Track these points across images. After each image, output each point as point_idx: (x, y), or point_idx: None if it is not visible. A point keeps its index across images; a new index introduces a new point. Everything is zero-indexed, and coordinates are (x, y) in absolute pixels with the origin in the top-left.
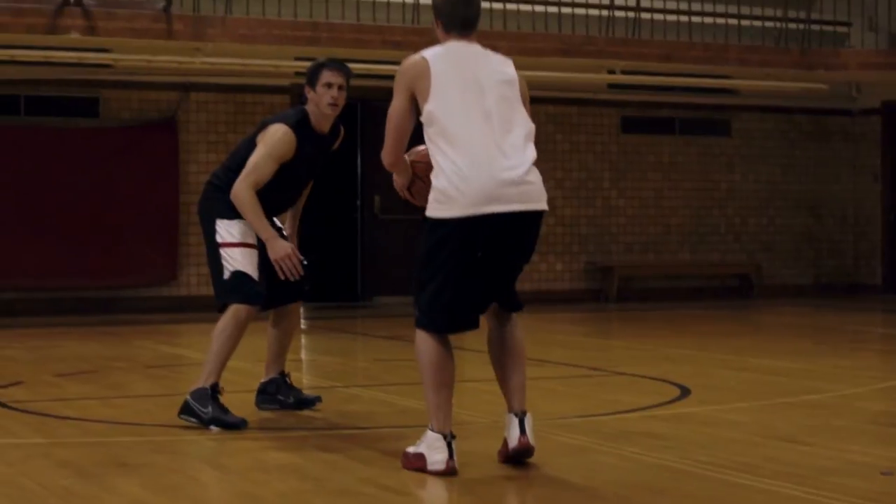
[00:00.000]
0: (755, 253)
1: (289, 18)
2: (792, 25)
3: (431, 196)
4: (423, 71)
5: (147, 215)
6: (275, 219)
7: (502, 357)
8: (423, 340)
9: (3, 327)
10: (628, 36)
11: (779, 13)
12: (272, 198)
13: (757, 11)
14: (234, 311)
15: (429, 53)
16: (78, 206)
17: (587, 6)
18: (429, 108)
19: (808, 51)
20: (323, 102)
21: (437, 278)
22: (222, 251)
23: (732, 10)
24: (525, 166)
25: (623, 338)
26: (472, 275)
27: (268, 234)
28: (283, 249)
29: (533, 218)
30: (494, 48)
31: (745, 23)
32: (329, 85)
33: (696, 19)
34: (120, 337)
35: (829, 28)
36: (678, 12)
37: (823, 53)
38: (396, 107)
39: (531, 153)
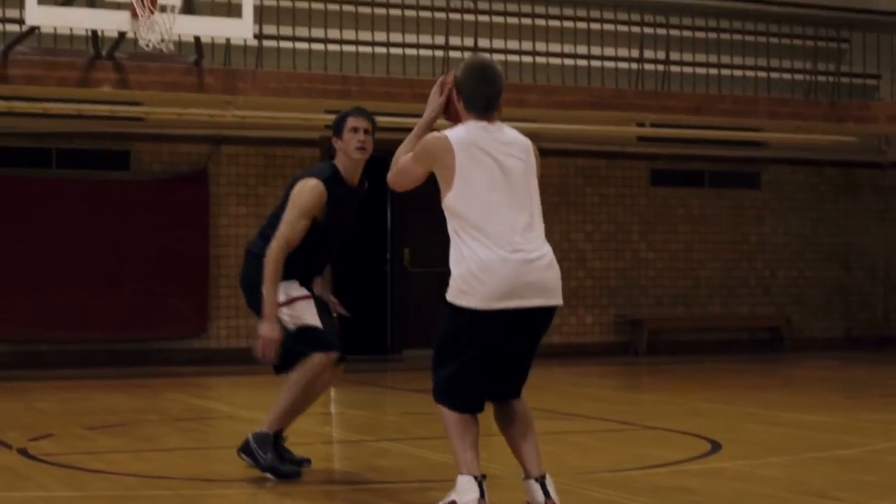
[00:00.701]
0: (785, 306)
1: (319, 72)
2: (821, 78)
3: (453, 282)
4: (447, 155)
5: (177, 267)
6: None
7: (509, 429)
8: (445, 410)
9: (34, 379)
10: (657, 89)
11: (808, 66)
12: (310, 258)
13: (786, 64)
14: (309, 360)
15: (454, 138)
16: (109, 258)
17: (616, 59)
18: (451, 201)
19: (837, 103)
20: (351, 147)
21: (453, 362)
22: (283, 311)
23: (762, 62)
24: (545, 262)
25: (653, 391)
26: (486, 363)
27: (270, 310)
28: (268, 333)
29: (549, 312)
30: (524, 101)
31: (774, 75)
32: (355, 129)
33: (725, 72)
34: (150, 389)
35: (859, 81)
36: (707, 65)
37: (853, 106)
38: (414, 171)
39: (548, 248)
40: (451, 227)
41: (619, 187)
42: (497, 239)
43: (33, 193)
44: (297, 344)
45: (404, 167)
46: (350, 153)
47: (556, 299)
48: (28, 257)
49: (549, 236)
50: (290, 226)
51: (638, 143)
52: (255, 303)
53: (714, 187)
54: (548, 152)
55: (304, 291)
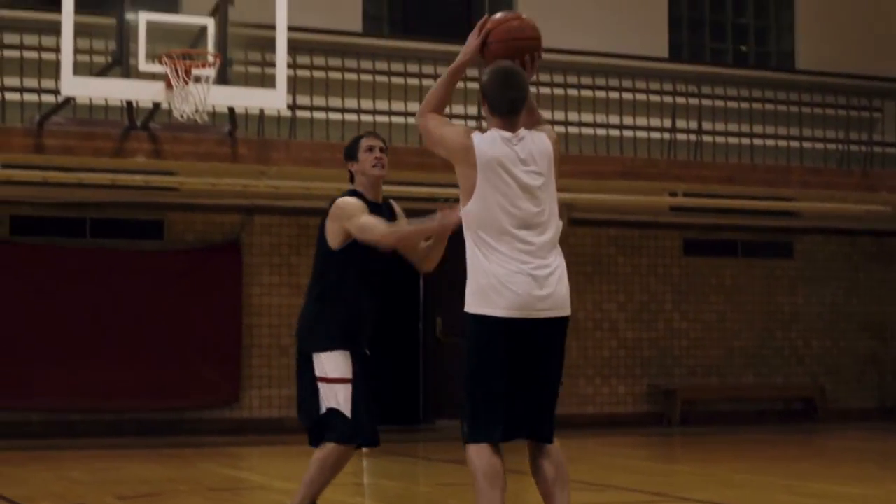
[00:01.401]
0: (819, 376)
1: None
2: (854, 147)
3: (469, 290)
4: (472, 171)
5: (210, 337)
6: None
7: (543, 487)
8: (476, 455)
9: (66, 448)
10: (690, 158)
11: (841, 135)
12: (357, 297)
13: (819, 133)
14: (330, 450)
15: (479, 155)
16: (141, 328)
17: (649, 129)
18: (470, 210)
19: (870, 172)
20: (368, 166)
21: (481, 389)
22: (320, 386)
23: (794, 132)
24: (556, 276)
25: (686, 462)
26: (512, 378)
27: (411, 226)
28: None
29: (562, 323)
30: (557, 171)
31: (806, 145)
32: (370, 148)
33: (757, 142)
34: (182, 459)
35: (892, 150)
36: (740, 135)
37: (886, 175)
38: (436, 141)
39: (560, 260)
40: (467, 234)
41: (652, 257)
42: (512, 256)
43: (67, 263)
44: (323, 424)
45: (436, 135)
46: (368, 172)
47: (566, 310)
48: (61, 326)
49: (582, 306)
50: (361, 222)
51: (671, 212)
52: (306, 364)
53: (747, 257)
54: (581, 222)
55: (345, 372)
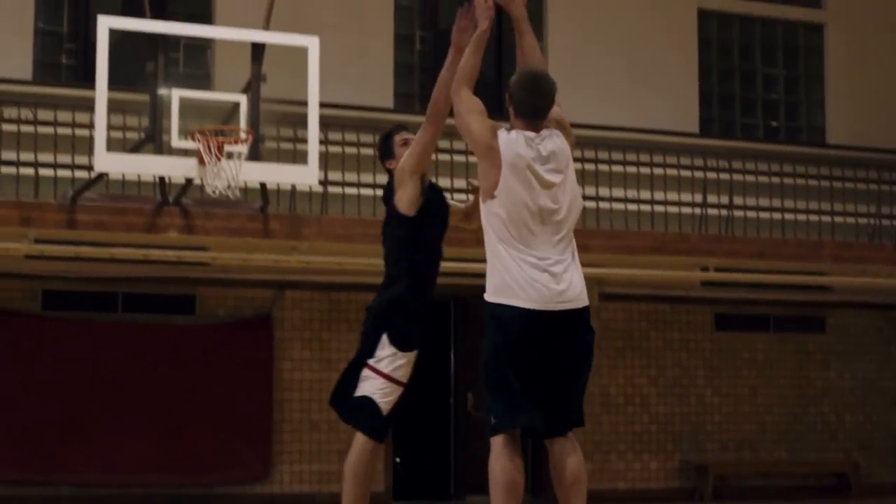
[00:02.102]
0: (852, 451)
1: (383, 217)
2: (885, 221)
3: (490, 283)
4: (496, 153)
5: (241, 412)
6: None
7: (559, 488)
8: (497, 457)
9: None
10: (721, 233)
11: (872, 209)
12: (423, 263)
13: (850, 208)
14: (362, 444)
15: (503, 145)
16: (172, 403)
17: (680, 204)
18: (492, 207)
19: None
20: None
21: (504, 385)
22: (366, 371)
23: (825, 206)
24: (571, 273)
25: None
26: (534, 366)
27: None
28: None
29: (581, 314)
30: (588, 247)
31: (838, 219)
32: (405, 142)
33: (789, 216)
34: None
35: None
36: (771, 209)
37: None
38: (465, 128)
39: (575, 253)
40: (488, 232)
41: (684, 332)
42: (531, 252)
43: (99, 337)
44: (350, 409)
45: (465, 121)
46: None
47: (584, 300)
48: (92, 400)
49: (614, 381)
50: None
51: (702, 287)
52: (370, 342)
53: (779, 331)
54: (612, 297)
55: (403, 377)
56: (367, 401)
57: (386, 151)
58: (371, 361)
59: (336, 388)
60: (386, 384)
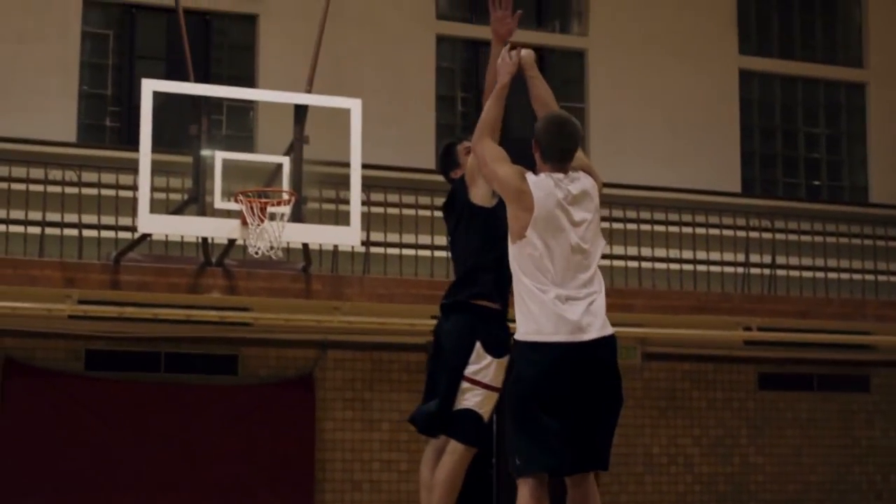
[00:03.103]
0: None
1: (425, 278)
2: None
3: (518, 320)
4: (526, 197)
5: (283, 472)
6: None
7: None
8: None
9: None
10: (764, 293)
11: None
12: (505, 254)
13: (893, 267)
14: (461, 454)
15: (533, 188)
16: (214, 463)
17: (722, 263)
18: (522, 248)
19: None
20: None
21: (530, 423)
22: (466, 383)
23: (869, 265)
24: (597, 305)
25: None
26: (563, 404)
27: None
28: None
29: (608, 343)
30: (631, 306)
31: (881, 278)
32: (469, 150)
33: (832, 275)
34: None
35: None
36: (814, 269)
37: None
38: (492, 176)
39: (602, 286)
40: (517, 272)
41: (727, 391)
42: (560, 289)
43: (142, 397)
44: (451, 421)
45: (490, 169)
46: None
47: (608, 329)
48: (134, 460)
49: (657, 441)
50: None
51: (745, 346)
52: (462, 351)
53: (823, 391)
54: (654, 357)
55: (501, 382)
56: (471, 413)
57: (451, 163)
58: (469, 373)
59: (438, 404)
60: (487, 393)
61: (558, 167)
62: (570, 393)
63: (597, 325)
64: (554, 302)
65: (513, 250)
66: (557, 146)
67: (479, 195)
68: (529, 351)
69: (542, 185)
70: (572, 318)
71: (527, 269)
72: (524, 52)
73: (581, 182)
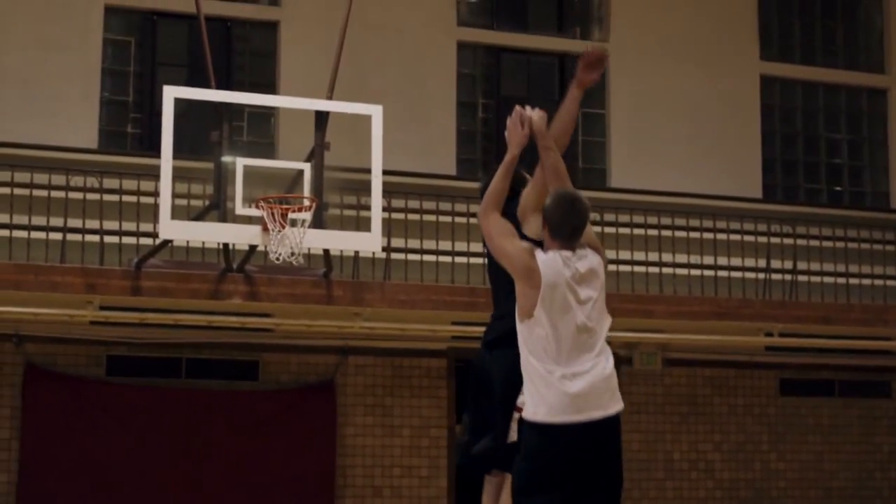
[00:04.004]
0: None
1: (446, 284)
2: None
3: (526, 398)
4: (535, 275)
5: (303, 477)
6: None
7: None
8: None
9: None
10: (785, 298)
11: None
12: None
13: None
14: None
15: (542, 266)
16: (234, 469)
17: (743, 269)
18: (530, 326)
19: None
20: None
21: (537, 493)
22: (517, 415)
23: (890, 271)
24: (605, 381)
25: None
26: (568, 483)
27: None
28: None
29: (613, 422)
30: (651, 312)
31: None
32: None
33: (853, 281)
34: None
35: None
36: (835, 274)
37: None
38: (500, 250)
39: (610, 362)
40: (524, 349)
41: (748, 397)
42: (568, 367)
43: (162, 403)
44: (512, 456)
45: (497, 243)
46: None
47: (613, 405)
48: (155, 465)
49: (678, 446)
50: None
51: (766, 352)
52: (510, 387)
53: (844, 396)
54: (675, 362)
55: None
56: (514, 446)
57: (523, 184)
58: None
59: (494, 439)
60: None
61: (567, 244)
62: (575, 471)
63: (603, 404)
64: (561, 382)
65: (521, 329)
66: (568, 224)
67: (533, 229)
68: (537, 431)
69: (550, 263)
70: (579, 398)
71: (534, 350)
72: (535, 116)
73: (588, 259)
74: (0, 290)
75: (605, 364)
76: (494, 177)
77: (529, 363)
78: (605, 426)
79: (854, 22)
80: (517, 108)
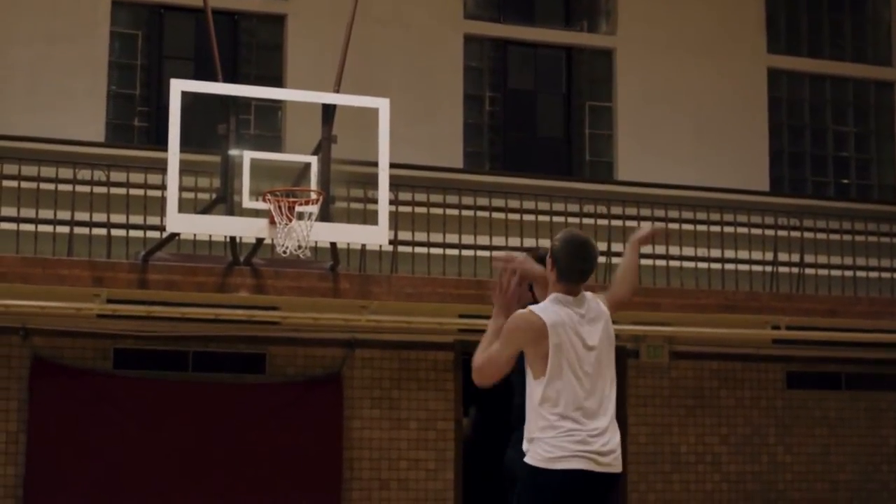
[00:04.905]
0: None
1: (453, 277)
2: None
3: (530, 444)
4: (543, 339)
5: (310, 470)
6: None
7: None
8: None
9: None
10: (792, 291)
11: None
12: None
13: None
14: None
15: (547, 319)
16: (242, 462)
17: (750, 262)
18: (542, 391)
19: None
20: None
21: None
22: None
23: None
24: (610, 433)
25: None
26: None
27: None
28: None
29: (614, 478)
30: (658, 305)
31: None
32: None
33: (860, 274)
34: None
35: None
36: (842, 267)
37: None
38: (504, 355)
39: (615, 432)
40: (531, 398)
41: (755, 390)
42: (575, 422)
43: (169, 396)
44: None
45: (493, 356)
46: None
47: (620, 466)
48: (162, 458)
49: (684, 439)
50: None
51: (773, 345)
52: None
53: (851, 389)
54: (682, 355)
55: None
56: None
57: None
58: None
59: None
60: None
61: (573, 287)
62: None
63: (610, 460)
64: (568, 432)
65: (532, 384)
66: (577, 268)
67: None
68: (541, 478)
69: (553, 313)
70: (589, 448)
71: (543, 398)
72: (516, 264)
73: (592, 302)
74: (7, 283)
75: (613, 424)
76: (484, 337)
77: (540, 414)
78: (610, 481)
79: (861, 15)
80: (501, 260)
